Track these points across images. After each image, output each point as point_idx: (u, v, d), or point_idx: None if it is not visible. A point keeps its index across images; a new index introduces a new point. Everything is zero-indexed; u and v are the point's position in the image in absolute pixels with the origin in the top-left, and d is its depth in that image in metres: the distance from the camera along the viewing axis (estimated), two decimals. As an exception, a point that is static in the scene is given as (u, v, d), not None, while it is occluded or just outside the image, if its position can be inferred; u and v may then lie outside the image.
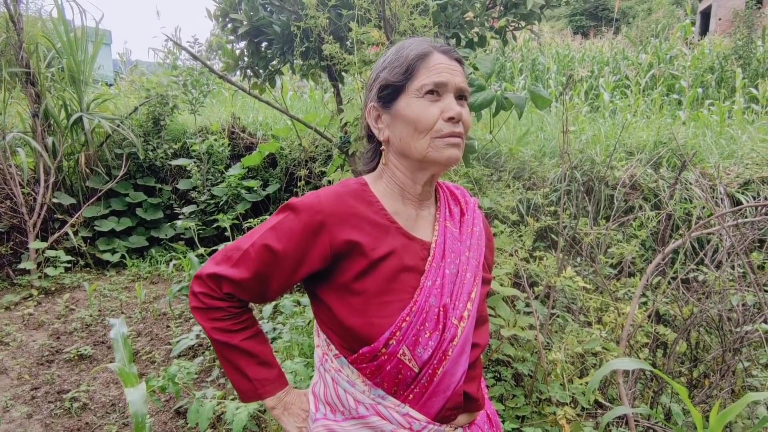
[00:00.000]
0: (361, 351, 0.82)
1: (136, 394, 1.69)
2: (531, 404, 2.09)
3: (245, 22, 2.39)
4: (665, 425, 1.82)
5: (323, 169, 3.93)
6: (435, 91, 0.84)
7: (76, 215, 4.45)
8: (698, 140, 4.00)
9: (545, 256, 2.38)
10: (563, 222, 2.58)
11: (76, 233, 4.41)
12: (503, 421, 1.90)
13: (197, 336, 2.36)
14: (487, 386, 2.12)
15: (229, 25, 2.41)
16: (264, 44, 2.64)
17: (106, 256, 4.54)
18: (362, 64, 2.16)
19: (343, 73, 2.73)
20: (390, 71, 0.87)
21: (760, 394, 1.25)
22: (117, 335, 2.00)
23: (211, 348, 2.72)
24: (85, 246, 4.49)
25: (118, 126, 4.68)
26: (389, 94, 0.87)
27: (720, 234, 2.26)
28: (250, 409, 1.72)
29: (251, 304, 1.02)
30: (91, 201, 4.58)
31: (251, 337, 0.94)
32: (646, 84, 8.09)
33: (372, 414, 0.85)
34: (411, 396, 0.84)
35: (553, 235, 3.17)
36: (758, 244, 2.65)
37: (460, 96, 0.87)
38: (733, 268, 2.21)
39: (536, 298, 2.43)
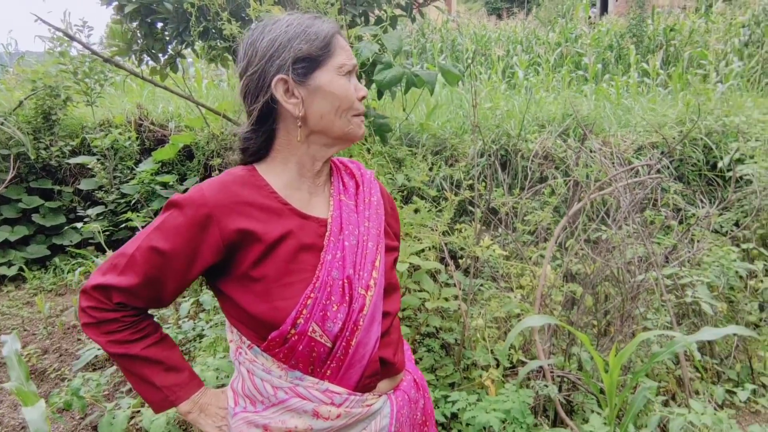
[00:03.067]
0: (270, 336, 0.81)
1: (35, 414, 1.53)
2: (460, 371, 2.18)
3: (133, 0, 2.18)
4: (576, 373, 1.97)
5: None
6: (351, 72, 0.86)
7: (-42, 227, 3.92)
8: (599, 112, 4.32)
9: (465, 227, 2.46)
10: (479, 193, 2.68)
11: (-41, 247, 3.89)
12: (435, 389, 1.96)
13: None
14: (414, 351, 2.17)
15: (115, 2, 2.19)
16: (159, 25, 2.44)
17: (2, 270, 4.06)
18: (266, 44, 2.07)
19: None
20: (307, 42, 0.81)
21: (649, 333, 1.38)
22: (10, 352, 1.80)
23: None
24: (-27, 261, 3.98)
25: (2, 123, 4.15)
26: (307, 66, 0.82)
27: (617, 195, 2.46)
28: (169, 415, 1.62)
29: (152, 310, 0.96)
30: (-25, 210, 4.06)
31: (154, 344, 0.89)
32: (555, 61, 8.60)
33: (291, 396, 0.84)
34: (329, 372, 0.84)
35: (473, 208, 3.29)
36: (649, 202, 2.93)
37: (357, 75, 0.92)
38: (628, 225, 2.42)
39: (459, 268, 2.52)
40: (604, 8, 19.80)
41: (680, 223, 2.61)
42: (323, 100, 0.83)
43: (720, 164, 3.27)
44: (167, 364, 0.89)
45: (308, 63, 0.82)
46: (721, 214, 2.65)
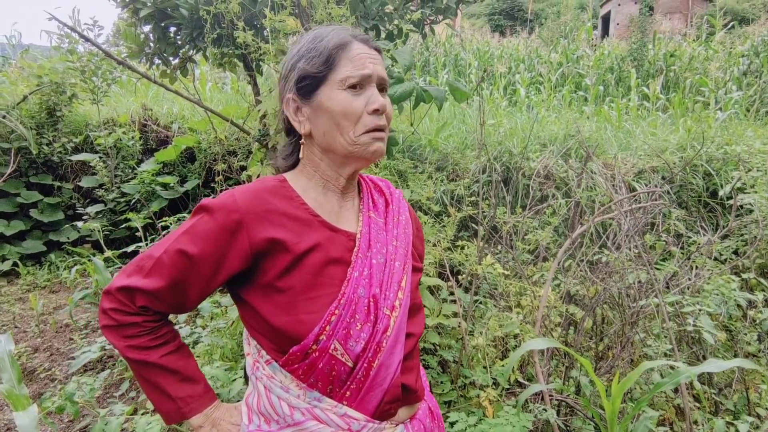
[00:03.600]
0: (291, 351, 0.79)
1: (26, 418, 1.51)
2: (457, 389, 2.16)
3: (149, 4, 2.19)
4: (576, 397, 1.96)
5: (243, 164, 3.76)
6: (359, 84, 0.82)
7: (-46, 219, 3.88)
8: (600, 134, 4.37)
9: (467, 245, 2.46)
10: (483, 211, 2.69)
11: (-46, 240, 3.85)
12: (430, 408, 1.94)
13: (102, 348, 2.16)
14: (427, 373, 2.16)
15: (131, 6, 2.20)
16: (172, 29, 2.45)
17: (-6, 265, 4.01)
18: (279, 54, 2.08)
19: (260, 63, 2.62)
20: (308, 61, 0.83)
21: (653, 363, 1.38)
22: (3, 353, 1.77)
23: (120, 360, 2.50)
24: (-33, 254, 3.93)
25: (4, 117, 4.13)
26: (308, 85, 0.83)
27: (619, 219, 2.48)
28: (163, 423, 1.59)
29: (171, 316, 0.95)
30: (-28, 203, 4.02)
31: (172, 352, 0.87)
32: (557, 81, 8.70)
33: (309, 419, 0.82)
34: (348, 393, 0.82)
35: (474, 225, 3.30)
36: (650, 227, 2.95)
37: (381, 87, 0.85)
38: (630, 249, 2.43)
39: (460, 286, 2.51)
40: (605, 31, 20.09)
41: (681, 249, 2.62)
42: (323, 117, 0.82)
43: (721, 192, 3.30)
44: (183, 374, 0.87)
45: (310, 81, 0.83)
46: (720, 242, 2.67)
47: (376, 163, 2.15)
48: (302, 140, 0.87)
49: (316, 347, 0.78)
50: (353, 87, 0.81)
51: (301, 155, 0.89)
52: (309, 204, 0.86)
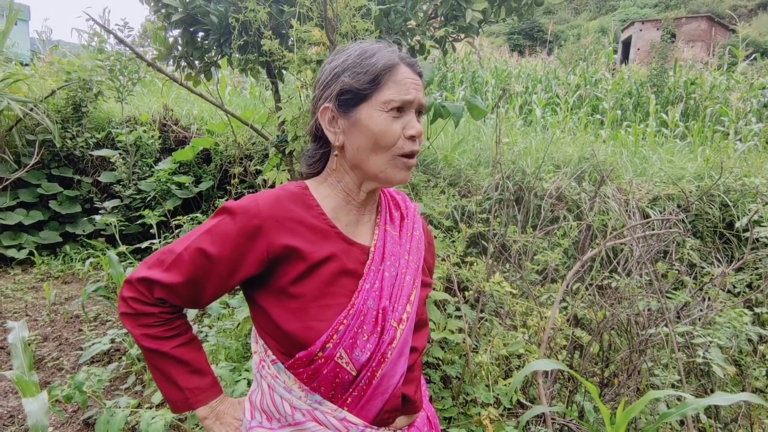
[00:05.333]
0: (297, 355, 0.81)
1: (35, 405, 1.53)
2: (458, 405, 2.15)
3: (180, 9, 2.26)
4: (578, 422, 1.94)
5: (259, 168, 3.81)
6: (400, 108, 0.83)
7: (-24, 206, 3.98)
8: (616, 158, 4.35)
9: (476, 261, 2.46)
10: (494, 229, 2.70)
11: (-26, 226, 3.95)
12: (430, 423, 1.93)
13: (112, 340, 2.19)
14: (428, 387, 2.16)
15: (163, 11, 2.27)
16: (200, 34, 2.52)
17: (11, 252, 4.10)
18: (302, 63, 2.13)
19: (282, 71, 2.67)
20: (353, 76, 0.83)
21: (661, 392, 1.37)
22: (16, 340, 1.81)
23: (128, 354, 2.53)
24: (-15, 240, 4.02)
25: (32, 109, 4.25)
26: (350, 99, 0.84)
27: (630, 244, 2.47)
28: (167, 418, 1.61)
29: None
30: (-6, 191, 4.12)
31: (184, 344, 0.90)
32: (574, 103, 8.70)
33: (308, 420, 0.84)
34: (349, 400, 0.83)
35: (484, 242, 3.29)
36: (663, 254, 2.92)
37: (418, 112, 0.87)
38: (641, 275, 2.41)
39: (466, 302, 2.51)
40: (625, 56, 20.08)
41: (694, 279, 2.60)
42: (360, 134, 0.83)
43: (737, 224, 3.26)
44: (193, 366, 0.90)
45: (352, 96, 0.83)
46: (735, 274, 2.64)
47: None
48: (335, 152, 0.88)
49: (322, 354, 0.80)
50: (395, 110, 0.82)
51: (332, 164, 0.90)
52: (327, 214, 0.88)
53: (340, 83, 0.84)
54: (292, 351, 0.82)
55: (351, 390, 0.83)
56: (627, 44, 21.20)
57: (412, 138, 0.84)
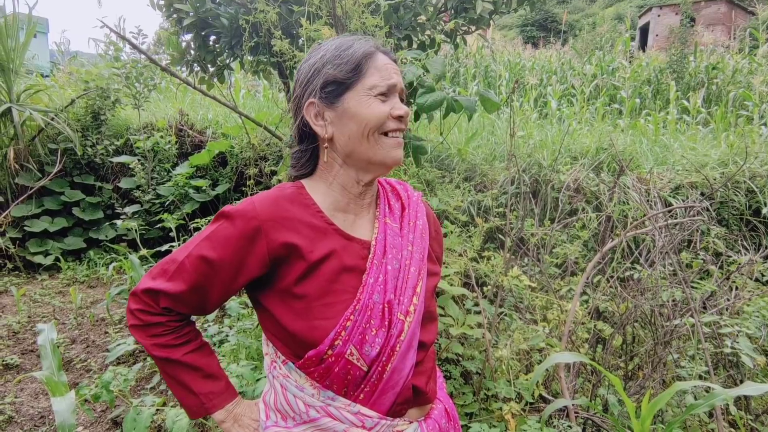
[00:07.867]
0: (307, 355, 0.81)
1: (63, 404, 1.57)
2: (479, 401, 2.13)
3: (191, 14, 2.29)
4: (603, 416, 1.90)
5: (274, 169, 3.85)
6: (386, 93, 0.85)
7: (3, 214, 4.11)
8: (635, 147, 4.25)
9: (493, 256, 2.43)
10: (510, 223, 2.66)
11: (3, 234, 4.07)
12: (452, 419, 1.92)
13: (136, 342, 2.24)
14: (446, 380, 2.15)
15: (174, 16, 2.31)
16: (212, 37, 2.55)
17: (38, 259, 4.22)
18: (313, 62, 2.13)
19: (294, 71, 2.68)
20: (335, 67, 0.85)
21: (687, 384, 1.33)
22: (45, 341, 1.86)
23: (152, 354, 2.59)
24: (14, 248, 4.15)
25: (53, 119, 4.37)
26: (335, 90, 0.85)
27: (653, 234, 2.41)
28: (191, 417, 1.64)
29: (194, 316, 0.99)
30: (20, 199, 4.25)
31: (194, 350, 0.92)
32: (590, 93, 8.53)
33: (323, 416, 0.84)
34: (361, 396, 0.84)
35: (501, 236, 3.26)
36: (686, 244, 2.85)
37: (401, 97, 0.89)
38: (664, 266, 2.35)
39: (485, 297, 2.49)
40: (643, 43, 19.62)
41: (720, 268, 2.52)
42: (350, 122, 0.84)
43: (764, 210, 3.16)
44: (206, 372, 0.92)
45: (336, 86, 0.85)
46: (763, 262, 2.55)
47: (405, 171, 2.16)
48: (325, 145, 0.88)
49: (332, 352, 0.80)
50: (382, 95, 0.85)
51: (323, 158, 0.90)
52: (325, 212, 0.88)
53: (323, 76, 0.86)
54: (300, 351, 0.83)
55: (363, 386, 0.84)
56: (645, 30, 20.71)
57: (399, 118, 0.86)
